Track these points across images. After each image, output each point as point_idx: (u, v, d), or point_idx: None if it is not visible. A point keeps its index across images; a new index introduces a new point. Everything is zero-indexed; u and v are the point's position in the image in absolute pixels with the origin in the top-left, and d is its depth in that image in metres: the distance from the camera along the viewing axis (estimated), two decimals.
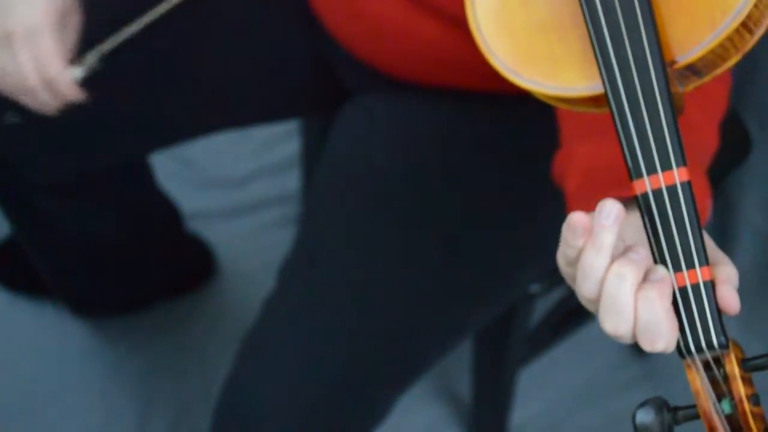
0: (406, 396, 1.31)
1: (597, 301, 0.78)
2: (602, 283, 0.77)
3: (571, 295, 1.63)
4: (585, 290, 0.78)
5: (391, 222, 1.25)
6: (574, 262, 0.79)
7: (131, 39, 1.20)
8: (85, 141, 1.37)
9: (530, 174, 1.27)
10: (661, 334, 0.76)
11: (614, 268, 0.76)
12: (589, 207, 0.87)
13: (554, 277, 1.43)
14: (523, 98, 1.19)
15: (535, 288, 1.42)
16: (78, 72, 1.24)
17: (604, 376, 1.80)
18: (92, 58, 1.23)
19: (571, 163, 0.94)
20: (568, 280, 0.83)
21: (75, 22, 1.25)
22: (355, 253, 1.25)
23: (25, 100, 1.26)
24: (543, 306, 1.65)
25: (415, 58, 1.25)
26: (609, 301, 0.76)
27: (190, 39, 1.28)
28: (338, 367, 1.23)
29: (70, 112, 1.35)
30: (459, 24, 1.19)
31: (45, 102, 1.25)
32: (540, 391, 1.78)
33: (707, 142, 0.97)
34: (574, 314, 1.67)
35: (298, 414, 1.22)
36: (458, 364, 1.74)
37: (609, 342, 1.82)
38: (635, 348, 1.82)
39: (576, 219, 0.76)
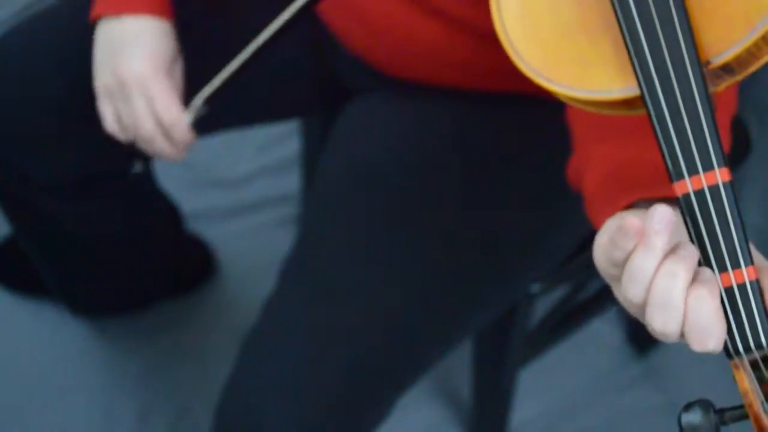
0: (406, 396, 1.31)
1: (642, 304, 0.78)
2: (651, 284, 0.76)
3: (571, 295, 1.63)
4: (631, 292, 0.77)
5: (392, 222, 1.25)
6: (621, 264, 0.78)
7: (229, 81, 1.21)
8: (85, 141, 1.37)
9: (532, 174, 1.27)
10: (712, 333, 0.75)
11: (666, 266, 0.76)
12: (611, 207, 0.88)
13: (554, 277, 1.43)
14: (526, 98, 1.19)
15: (535, 288, 1.42)
16: (187, 118, 1.25)
17: (604, 376, 1.80)
18: (198, 102, 1.24)
19: (590, 163, 0.94)
20: (609, 280, 0.82)
21: (180, 67, 1.26)
22: (355, 253, 1.25)
23: (143, 147, 1.27)
24: (543, 306, 1.65)
25: (417, 58, 1.25)
26: (659, 299, 0.76)
27: (189, 41, 1.28)
28: (338, 368, 1.23)
29: (71, 111, 1.35)
30: (461, 24, 1.19)
31: (162, 149, 1.27)
32: (540, 391, 1.78)
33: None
34: (574, 314, 1.67)
35: (299, 414, 1.22)
36: (458, 364, 1.74)
37: (609, 342, 1.83)
38: (635, 348, 1.82)
39: (629, 222, 0.76)
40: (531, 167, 1.27)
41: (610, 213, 0.87)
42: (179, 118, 1.24)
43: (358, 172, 1.30)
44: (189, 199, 1.89)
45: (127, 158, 1.37)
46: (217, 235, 1.91)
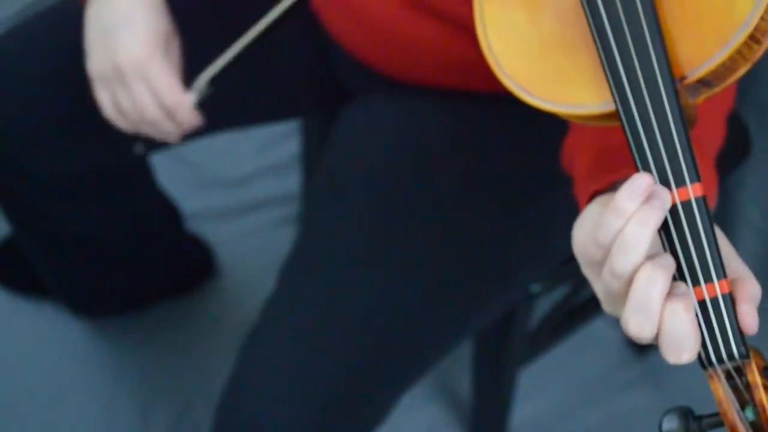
0: (406, 396, 1.31)
1: (623, 293, 0.78)
2: (634, 277, 0.77)
3: (571, 295, 1.63)
4: (619, 264, 0.77)
5: (391, 222, 1.25)
6: (608, 242, 0.78)
7: (235, 60, 1.18)
8: (85, 141, 1.37)
9: (532, 174, 1.27)
10: (686, 346, 0.77)
11: (645, 271, 0.76)
12: (596, 183, 0.88)
13: (554, 277, 1.43)
14: None
15: (535, 288, 1.42)
16: (191, 97, 1.22)
17: (604, 376, 1.80)
18: (202, 81, 1.21)
19: (581, 144, 0.95)
20: (586, 267, 0.82)
21: (176, 46, 1.23)
22: (355, 253, 1.25)
23: (148, 132, 1.24)
24: (543, 306, 1.65)
25: (415, 59, 1.25)
26: (637, 302, 0.77)
27: (190, 40, 1.28)
28: (339, 368, 1.23)
29: (71, 111, 1.35)
30: (459, 26, 1.19)
31: (167, 131, 1.24)
32: (540, 391, 1.78)
33: (715, 133, 0.98)
34: (574, 314, 1.67)
35: (299, 415, 1.22)
36: (458, 364, 1.75)
37: (609, 342, 1.83)
38: (635, 348, 1.82)
39: (642, 178, 0.76)
40: (532, 167, 1.27)
41: (595, 188, 0.87)
42: (183, 99, 1.21)
43: (357, 172, 1.30)
44: (189, 199, 1.89)
45: (128, 140, 1.33)
46: (217, 235, 1.91)
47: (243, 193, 1.98)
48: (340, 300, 1.24)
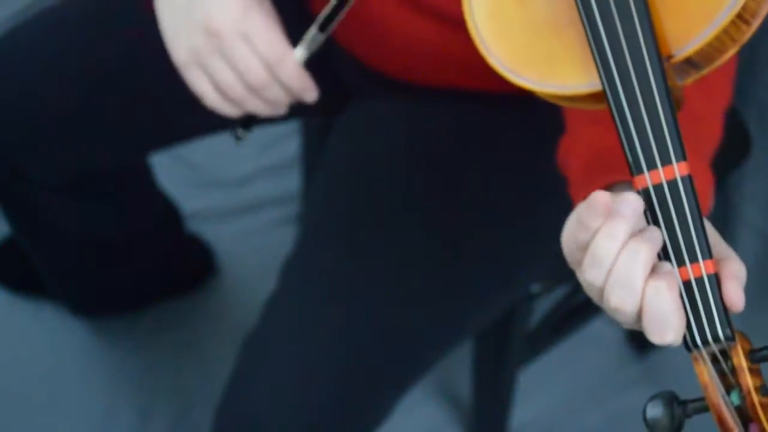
0: (406, 396, 1.31)
1: (602, 287, 0.78)
2: (611, 267, 0.77)
3: (571, 295, 1.63)
4: (590, 275, 0.78)
5: (392, 222, 1.25)
6: (584, 247, 0.79)
7: (341, 3, 1.07)
8: (85, 141, 1.37)
9: (531, 174, 1.27)
10: (671, 325, 0.76)
11: (630, 244, 0.76)
12: (589, 187, 0.88)
13: (554, 277, 1.43)
14: (525, 98, 1.19)
15: (535, 288, 1.42)
16: (300, 53, 1.11)
17: (604, 376, 1.80)
18: (311, 33, 1.10)
19: (577, 145, 0.95)
20: (573, 265, 0.83)
21: (269, 5, 1.14)
22: (355, 253, 1.25)
23: (254, 105, 1.14)
24: (543, 306, 1.65)
25: (416, 59, 1.25)
26: (619, 275, 0.77)
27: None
28: (339, 368, 1.23)
29: (71, 111, 1.35)
30: (459, 25, 1.19)
31: (276, 98, 1.14)
32: (540, 391, 1.78)
33: (711, 132, 0.97)
34: (574, 314, 1.67)
35: (300, 415, 1.22)
36: (458, 364, 1.74)
37: (609, 342, 1.83)
38: (635, 348, 1.82)
39: (599, 197, 0.77)
40: (532, 167, 1.27)
41: (587, 193, 0.88)
42: (289, 53, 1.11)
43: (357, 172, 1.30)
44: (189, 199, 1.89)
45: (232, 124, 1.22)
46: (217, 235, 1.91)
47: (243, 193, 1.98)
48: (340, 300, 1.24)
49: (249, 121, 1.19)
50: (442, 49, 1.22)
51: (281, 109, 1.16)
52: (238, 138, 1.21)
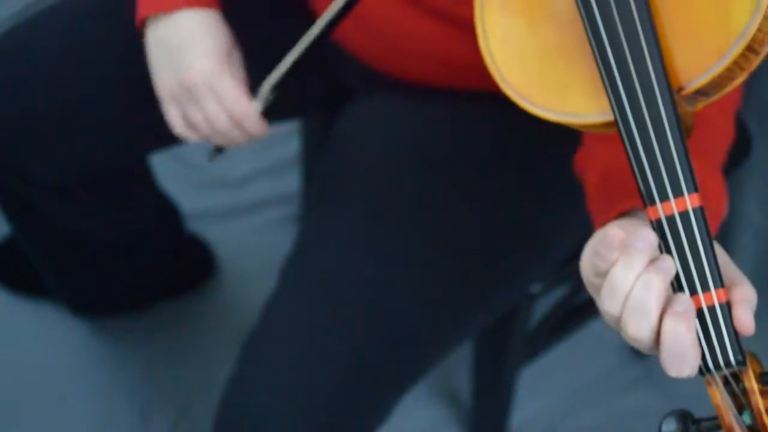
0: (406, 396, 1.31)
1: (619, 317, 0.80)
2: (627, 296, 0.79)
3: (571, 295, 1.63)
4: (608, 304, 0.80)
5: (392, 222, 1.25)
6: (602, 274, 0.80)
7: (294, 66, 1.21)
8: (85, 141, 1.37)
9: (532, 174, 1.27)
10: (688, 361, 0.79)
11: (644, 275, 0.78)
12: (603, 208, 0.89)
13: (554, 277, 1.43)
14: None
15: (535, 288, 1.42)
16: (257, 105, 1.25)
17: (604, 376, 1.80)
18: (265, 90, 1.24)
19: (592, 162, 0.95)
20: (591, 290, 0.84)
21: (238, 58, 1.25)
22: (355, 253, 1.25)
23: (216, 141, 1.27)
24: (543, 306, 1.65)
25: (416, 58, 1.25)
26: (635, 305, 0.78)
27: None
28: (340, 368, 1.23)
29: (71, 111, 1.35)
30: (459, 24, 1.19)
31: (235, 138, 1.26)
32: (540, 391, 1.78)
33: (722, 134, 0.98)
34: (574, 314, 1.67)
35: (300, 415, 1.22)
36: (458, 364, 1.74)
37: (609, 342, 1.83)
38: (635, 348, 1.82)
39: (613, 234, 0.78)
40: (531, 167, 1.27)
41: (604, 220, 0.88)
42: (249, 110, 1.23)
43: (358, 172, 1.30)
44: (189, 199, 1.89)
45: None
46: (217, 235, 1.91)
47: (243, 193, 1.98)
48: (340, 300, 1.24)
49: (220, 149, 1.33)
50: (443, 49, 1.22)
51: (239, 144, 1.28)
52: (212, 156, 1.35)
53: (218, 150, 1.34)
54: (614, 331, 0.83)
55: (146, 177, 1.63)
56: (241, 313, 1.78)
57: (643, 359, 1.81)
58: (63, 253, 1.61)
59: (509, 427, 1.72)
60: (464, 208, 1.26)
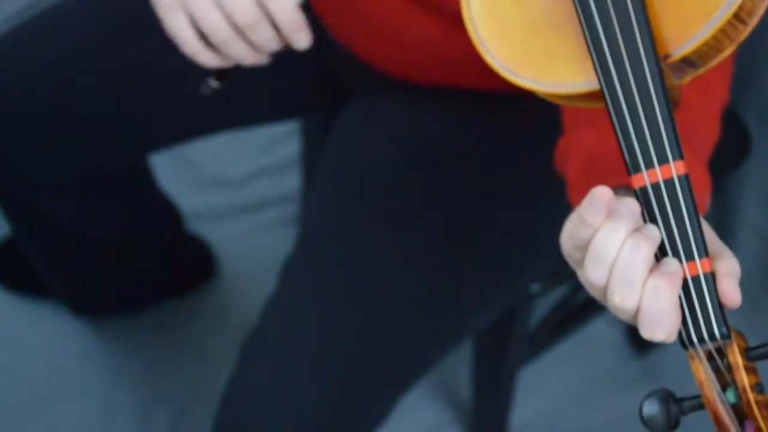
0: (406, 396, 1.31)
1: (603, 286, 0.78)
2: (613, 263, 0.77)
3: (571, 295, 1.63)
4: (593, 274, 0.78)
5: (392, 222, 1.25)
6: (584, 246, 0.79)
7: None
8: (85, 141, 1.37)
9: (531, 173, 1.27)
10: (663, 325, 0.77)
11: (629, 240, 0.77)
12: (587, 190, 0.88)
13: (554, 277, 1.43)
14: (525, 97, 1.19)
15: (535, 288, 1.42)
16: None
17: (604, 376, 1.80)
18: None
19: (575, 148, 0.95)
20: (572, 264, 0.83)
21: None
22: (355, 253, 1.25)
23: (238, 50, 1.05)
24: (543, 306, 1.65)
25: (416, 57, 1.25)
26: (621, 272, 0.77)
27: None
28: (340, 368, 1.23)
29: (71, 111, 1.35)
30: (459, 22, 1.19)
31: (264, 40, 1.04)
32: (540, 391, 1.78)
33: (708, 130, 0.97)
34: (574, 314, 1.67)
35: (299, 415, 1.22)
36: (458, 364, 1.74)
37: (609, 342, 1.83)
38: (635, 347, 1.82)
39: (601, 192, 0.77)
40: (532, 166, 1.27)
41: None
42: None
43: (358, 171, 1.30)
44: (189, 199, 1.89)
45: (202, 75, 1.13)
46: (217, 235, 1.91)
47: (243, 193, 1.98)
48: (340, 300, 1.24)
49: (224, 73, 1.10)
50: (443, 47, 1.22)
51: (265, 58, 1.07)
52: (209, 88, 1.12)
53: (221, 75, 1.10)
54: (600, 299, 0.81)
55: (146, 177, 1.63)
56: (241, 313, 1.78)
57: (643, 359, 1.81)
58: (63, 253, 1.61)
59: (509, 427, 1.72)
60: (465, 207, 1.26)
